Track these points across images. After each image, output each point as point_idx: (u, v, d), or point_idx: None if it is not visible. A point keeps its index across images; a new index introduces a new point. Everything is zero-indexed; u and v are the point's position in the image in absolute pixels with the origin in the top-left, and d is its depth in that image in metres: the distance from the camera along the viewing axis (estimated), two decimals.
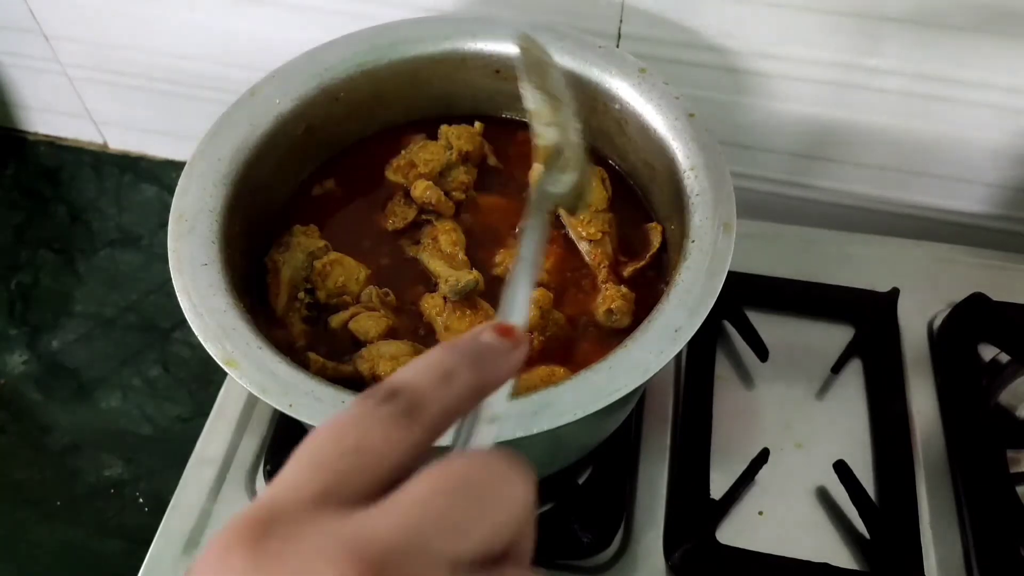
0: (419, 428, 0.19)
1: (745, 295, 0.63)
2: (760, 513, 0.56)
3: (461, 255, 0.53)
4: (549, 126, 0.38)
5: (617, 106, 0.55)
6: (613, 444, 0.56)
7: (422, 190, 0.54)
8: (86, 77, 0.86)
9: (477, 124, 0.59)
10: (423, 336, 0.50)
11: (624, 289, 0.51)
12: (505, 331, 0.23)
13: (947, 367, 0.61)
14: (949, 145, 0.68)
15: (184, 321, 0.43)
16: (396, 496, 0.18)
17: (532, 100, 0.38)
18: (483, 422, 0.22)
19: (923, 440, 0.58)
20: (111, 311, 0.86)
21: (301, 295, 0.51)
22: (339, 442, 0.19)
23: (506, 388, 0.24)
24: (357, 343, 0.49)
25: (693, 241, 0.47)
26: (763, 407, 0.61)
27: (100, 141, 0.94)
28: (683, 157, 0.51)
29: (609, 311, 0.50)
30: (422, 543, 0.17)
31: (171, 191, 0.49)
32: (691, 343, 0.43)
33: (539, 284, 0.52)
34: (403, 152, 0.58)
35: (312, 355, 0.47)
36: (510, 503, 0.19)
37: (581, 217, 0.54)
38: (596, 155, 0.59)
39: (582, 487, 0.56)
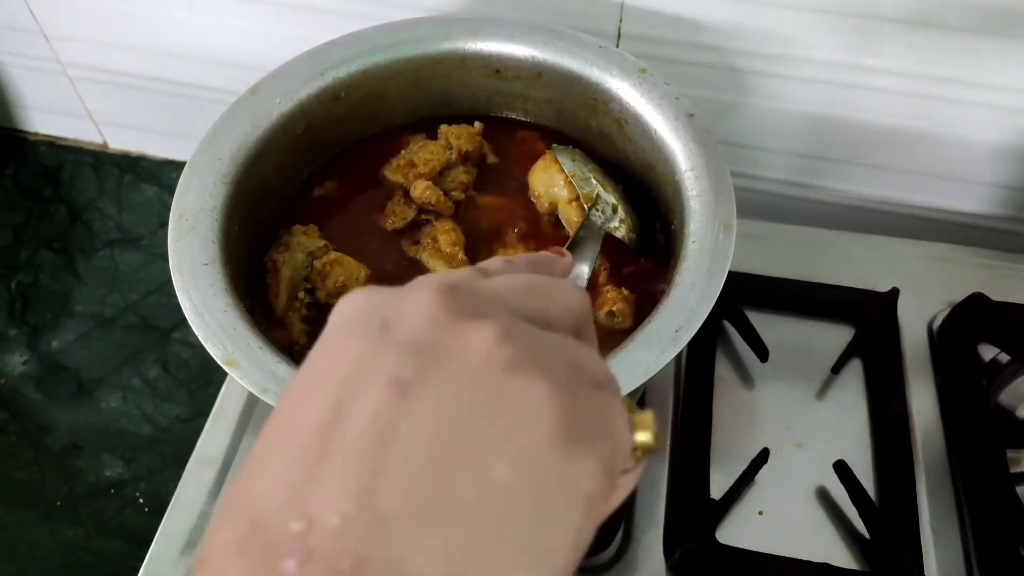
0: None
1: (745, 295, 0.63)
2: (760, 513, 0.56)
3: (461, 255, 0.53)
4: (586, 180, 0.55)
5: (617, 106, 0.55)
6: None
7: (422, 190, 0.54)
8: (86, 77, 0.86)
9: (477, 124, 0.59)
10: None
11: (625, 291, 0.51)
12: (555, 250, 0.31)
13: (947, 367, 0.61)
14: (949, 145, 0.68)
15: (184, 321, 0.43)
16: None
17: (569, 167, 0.55)
18: None
19: (923, 440, 0.58)
20: (111, 311, 0.86)
21: (301, 295, 0.51)
22: (436, 278, 0.25)
23: None
24: None
25: (693, 241, 0.47)
26: (763, 407, 0.61)
27: (100, 141, 0.94)
28: (683, 158, 0.51)
29: (611, 313, 0.50)
30: (489, 287, 0.24)
31: (171, 191, 0.49)
32: (691, 343, 0.43)
33: None
34: (403, 152, 0.58)
35: None
36: (565, 298, 0.25)
37: (581, 219, 0.54)
38: (595, 155, 0.59)
39: None
